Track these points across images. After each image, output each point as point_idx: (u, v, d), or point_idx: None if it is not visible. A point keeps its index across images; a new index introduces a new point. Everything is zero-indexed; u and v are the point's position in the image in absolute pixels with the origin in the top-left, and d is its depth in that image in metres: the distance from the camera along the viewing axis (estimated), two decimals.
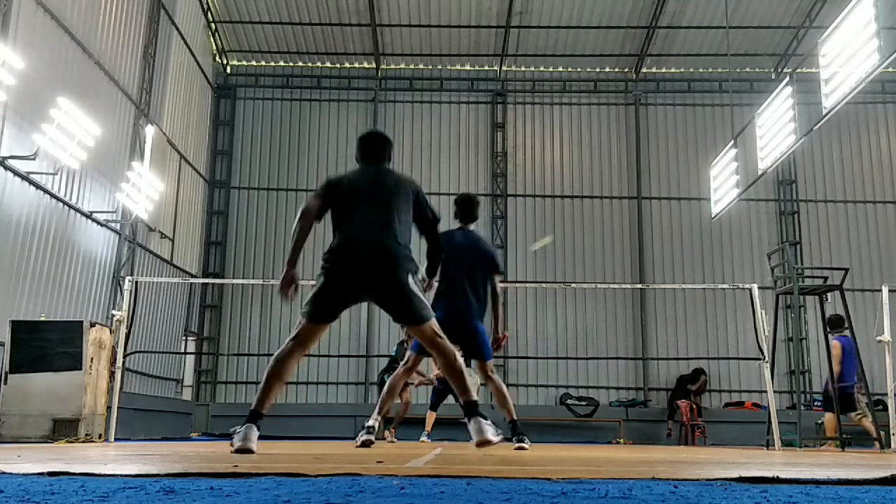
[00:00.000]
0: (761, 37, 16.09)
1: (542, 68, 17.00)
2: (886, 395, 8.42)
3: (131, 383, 12.01)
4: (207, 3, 15.75)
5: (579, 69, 16.95)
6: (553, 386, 15.50)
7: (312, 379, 15.40)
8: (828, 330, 9.53)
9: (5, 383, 7.53)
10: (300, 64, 16.99)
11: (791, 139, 9.83)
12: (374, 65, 16.86)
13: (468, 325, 5.52)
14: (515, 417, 5.52)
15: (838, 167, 16.41)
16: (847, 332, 9.21)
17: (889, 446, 8.29)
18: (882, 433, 8.67)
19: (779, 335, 10.86)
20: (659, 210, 16.37)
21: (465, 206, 5.86)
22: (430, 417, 9.87)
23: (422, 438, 9.64)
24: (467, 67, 17.08)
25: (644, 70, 16.95)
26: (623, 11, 15.64)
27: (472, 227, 5.87)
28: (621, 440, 13.92)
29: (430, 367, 9.74)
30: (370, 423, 5.90)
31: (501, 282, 5.90)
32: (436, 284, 4.99)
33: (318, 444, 7.37)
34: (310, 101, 16.89)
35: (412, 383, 9.88)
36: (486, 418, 4.07)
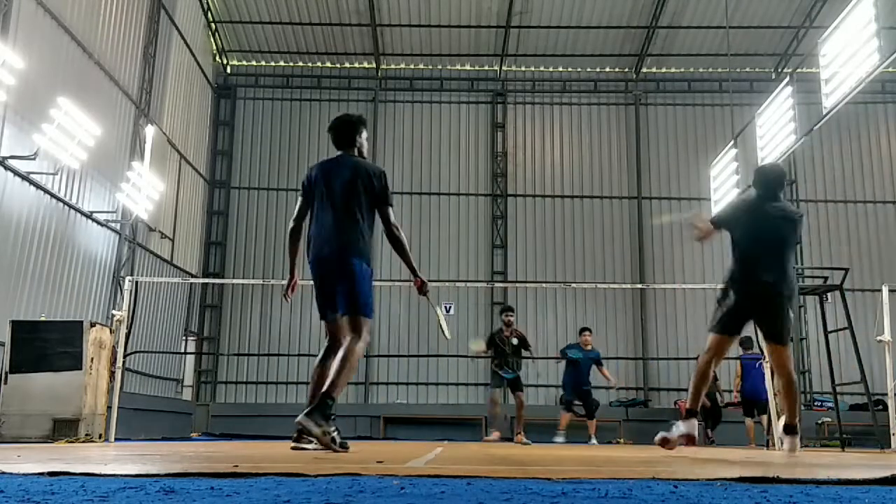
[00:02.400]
0: (761, 37, 16.09)
1: (542, 68, 17.00)
2: (886, 395, 8.43)
3: (131, 383, 12.00)
4: (207, 3, 15.75)
5: (579, 69, 16.95)
6: (553, 386, 15.47)
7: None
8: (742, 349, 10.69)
9: (5, 383, 7.53)
10: (300, 64, 16.99)
11: (791, 139, 9.84)
12: (374, 65, 16.85)
13: (332, 268, 4.45)
14: (328, 392, 4.27)
15: (838, 167, 16.40)
16: (756, 351, 9.44)
17: (889, 446, 8.29)
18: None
19: None
20: (659, 210, 16.37)
21: (335, 131, 4.96)
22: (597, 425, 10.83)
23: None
24: (467, 67, 17.08)
25: (644, 70, 16.95)
26: (623, 11, 15.64)
27: (354, 152, 4.92)
28: (621, 440, 13.91)
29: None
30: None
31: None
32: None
33: None
34: (310, 101, 16.89)
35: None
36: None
